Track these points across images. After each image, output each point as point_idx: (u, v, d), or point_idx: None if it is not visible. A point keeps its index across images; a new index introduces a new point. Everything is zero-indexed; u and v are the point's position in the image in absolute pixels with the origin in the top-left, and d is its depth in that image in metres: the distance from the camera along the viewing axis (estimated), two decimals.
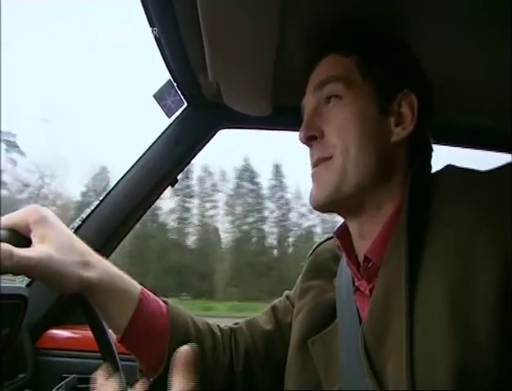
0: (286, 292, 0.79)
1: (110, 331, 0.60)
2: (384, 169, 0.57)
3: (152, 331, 0.63)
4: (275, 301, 0.79)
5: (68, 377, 0.96)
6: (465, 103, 0.91)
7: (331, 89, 0.60)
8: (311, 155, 0.62)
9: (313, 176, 0.61)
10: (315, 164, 0.61)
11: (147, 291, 0.65)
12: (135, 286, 0.63)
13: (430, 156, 0.62)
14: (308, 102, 0.64)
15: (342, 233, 0.63)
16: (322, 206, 0.59)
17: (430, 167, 0.60)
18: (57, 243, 0.53)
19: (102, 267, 0.58)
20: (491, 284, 0.41)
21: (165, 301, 0.68)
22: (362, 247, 0.58)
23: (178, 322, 0.65)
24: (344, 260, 0.65)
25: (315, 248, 0.78)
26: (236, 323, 0.76)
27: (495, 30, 0.65)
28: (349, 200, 0.58)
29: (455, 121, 0.99)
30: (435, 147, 0.63)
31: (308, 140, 0.61)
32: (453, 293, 0.43)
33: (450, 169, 0.54)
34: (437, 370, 0.41)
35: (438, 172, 0.56)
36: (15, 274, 0.50)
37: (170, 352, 0.62)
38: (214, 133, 1.07)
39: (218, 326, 0.73)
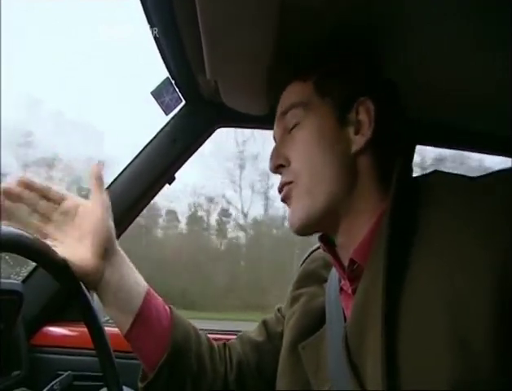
0: (277, 306, 0.79)
1: (106, 329, 0.61)
2: (350, 179, 0.57)
3: (157, 327, 0.64)
4: (267, 316, 0.79)
5: (62, 374, 0.95)
6: (463, 105, 0.91)
7: (292, 115, 0.61)
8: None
9: (283, 201, 0.62)
10: (280, 190, 0.62)
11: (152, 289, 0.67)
12: (142, 280, 0.66)
13: (410, 159, 0.61)
14: (276, 132, 0.66)
15: (327, 236, 0.63)
16: (299, 230, 0.60)
17: (411, 170, 0.59)
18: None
19: (119, 264, 0.62)
20: (488, 296, 0.40)
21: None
22: (345, 253, 0.58)
23: (180, 323, 0.67)
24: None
25: (307, 257, 0.78)
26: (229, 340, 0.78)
27: (494, 30, 0.65)
28: (322, 218, 0.58)
29: (452, 123, 0.99)
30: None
31: (276, 169, 0.62)
32: (449, 305, 0.42)
33: (437, 174, 0.53)
34: (433, 382, 0.40)
35: (424, 176, 0.54)
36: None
37: (171, 351, 0.63)
38: (212, 132, 1.07)
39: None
